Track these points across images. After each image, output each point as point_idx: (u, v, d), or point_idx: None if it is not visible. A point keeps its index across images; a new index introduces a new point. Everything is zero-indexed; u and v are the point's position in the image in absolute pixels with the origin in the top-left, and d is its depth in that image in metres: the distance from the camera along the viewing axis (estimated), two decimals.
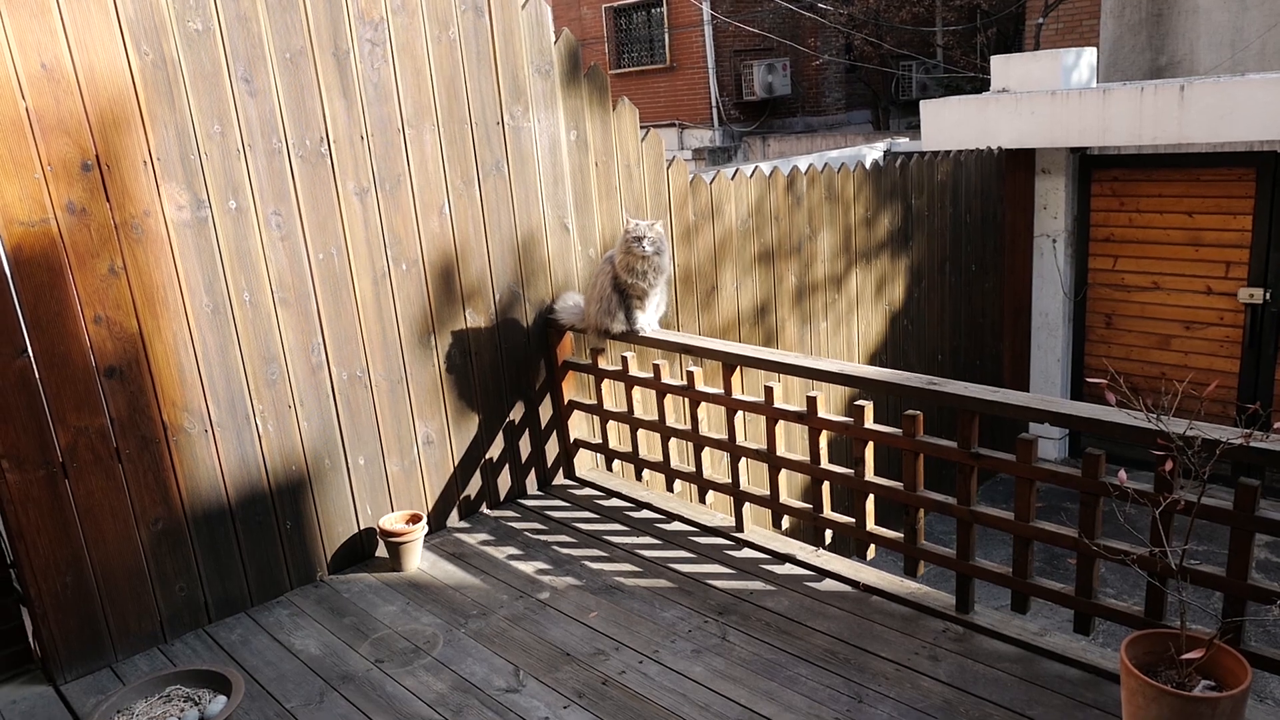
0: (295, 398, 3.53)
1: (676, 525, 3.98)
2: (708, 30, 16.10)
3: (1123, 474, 2.55)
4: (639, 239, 3.76)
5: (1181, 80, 6.51)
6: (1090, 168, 7.51)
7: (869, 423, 3.27)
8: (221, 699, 2.80)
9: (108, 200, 3.01)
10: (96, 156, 2.97)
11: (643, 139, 4.50)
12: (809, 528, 3.66)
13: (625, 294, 3.88)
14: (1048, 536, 2.93)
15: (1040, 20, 11.90)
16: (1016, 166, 7.48)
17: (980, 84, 11.83)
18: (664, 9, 16.61)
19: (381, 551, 3.83)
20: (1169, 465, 2.46)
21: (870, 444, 3.32)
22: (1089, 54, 7.61)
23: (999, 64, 7.72)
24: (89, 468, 3.08)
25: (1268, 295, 6.75)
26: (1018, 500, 2.95)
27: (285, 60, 3.33)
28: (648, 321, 3.95)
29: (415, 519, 3.78)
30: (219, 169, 3.23)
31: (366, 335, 3.69)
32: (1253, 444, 2.28)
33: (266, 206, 3.36)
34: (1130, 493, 2.53)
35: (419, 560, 3.77)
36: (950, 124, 7.61)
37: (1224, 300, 7.02)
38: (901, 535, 3.31)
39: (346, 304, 3.62)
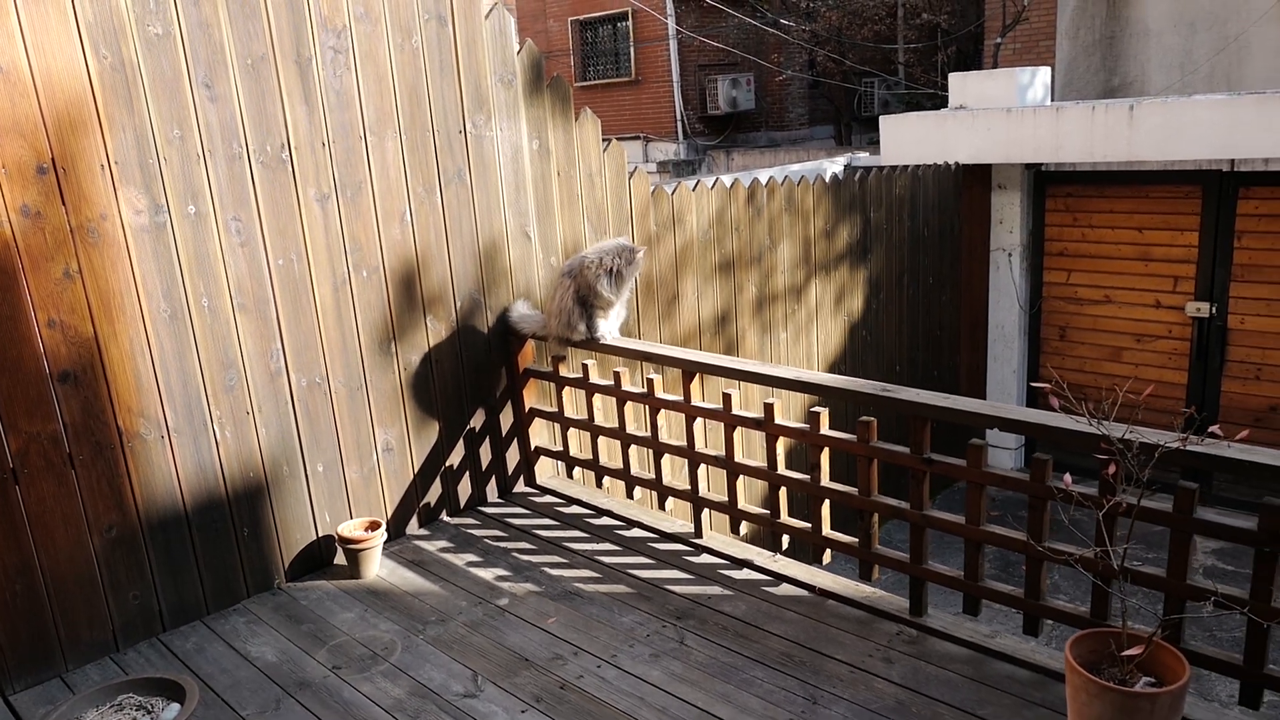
0: (254, 404, 3.51)
1: (636, 531, 4.00)
2: (673, 45, 16.24)
3: (1068, 477, 2.63)
4: (630, 262, 3.87)
5: (1131, 100, 6.70)
6: (1045, 184, 7.69)
7: (824, 429, 3.33)
8: (175, 706, 2.78)
9: (63, 203, 2.99)
10: (53, 159, 2.95)
11: (605, 149, 4.54)
12: (767, 533, 3.70)
13: (589, 305, 3.90)
14: (998, 540, 3.00)
15: (999, 40, 12.16)
16: (973, 182, 7.63)
17: (940, 101, 12.04)
18: (630, 23, 16.74)
19: (340, 559, 3.81)
20: (1112, 469, 2.54)
21: (826, 450, 3.38)
22: (1044, 73, 7.80)
23: (957, 81, 7.88)
24: (40, 474, 3.05)
25: (1213, 309, 6.95)
26: (969, 504, 3.02)
27: (247, 66, 3.33)
28: (609, 329, 3.99)
29: (374, 526, 3.77)
30: (178, 174, 3.21)
31: (326, 342, 3.68)
32: (1189, 447, 2.36)
33: (226, 212, 3.35)
34: (1075, 496, 2.61)
35: (378, 568, 3.76)
36: (909, 139, 7.75)
37: (1172, 314, 7.22)
38: (857, 540, 3.37)
39: (306, 310, 3.61)
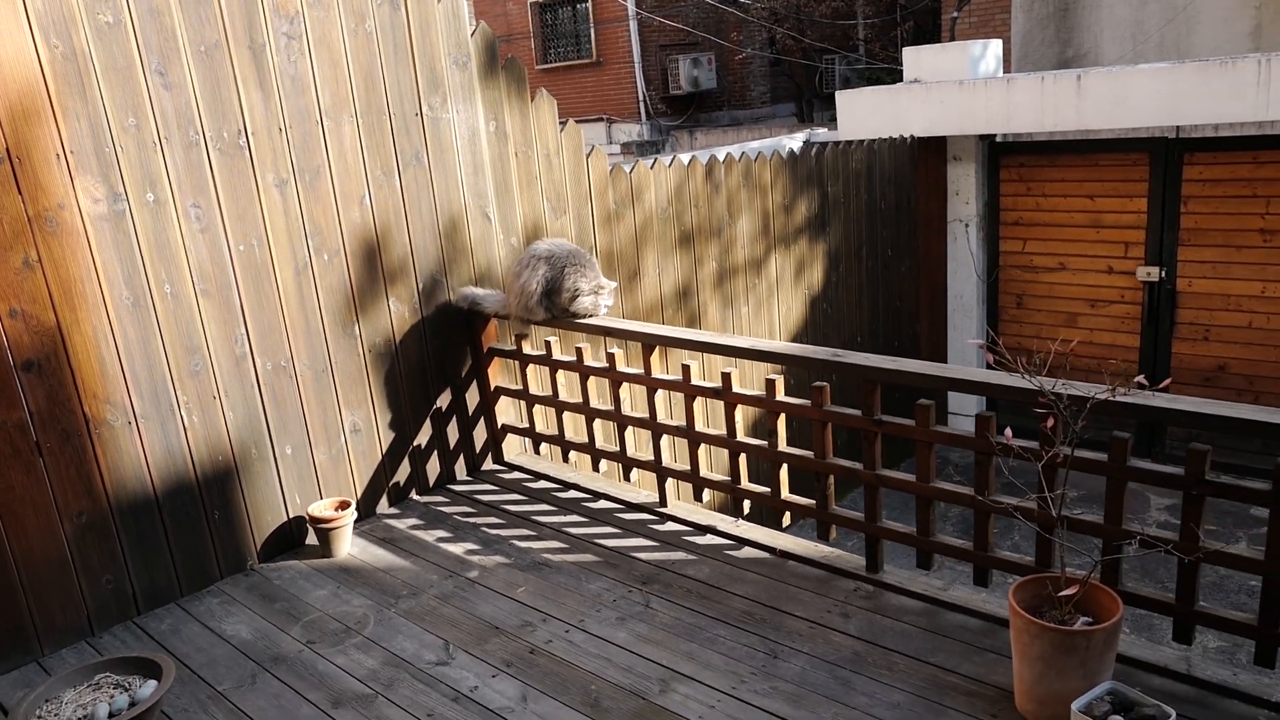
0: (220, 388, 3.55)
1: (602, 503, 4.10)
2: (633, 25, 16.24)
3: (1008, 432, 2.75)
4: (608, 307, 4.02)
5: (1078, 70, 6.85)
6: (999, 154, 7.83)
7: (780, 395, 3.43)
8: (152, 683, 2.83)
9: (20, 193, 3.01)
10: (7, 149, 2.97)
11: (562, 129, 4.60)
12: (729, 499, 3.81)
13: (554, 299, 3.95)
14: (947, 495, 3.13)
15: (955, 14, 12.30)
16: (929, 154, 7.76)
17: (900, 76, 12.17)
18: (589, 4, 16.70)
19: (312, 539, 3.87)
20: (1050, 422, 2.66)
21: (782, 416, 3.49)
22: (995, 45, 7.93)
23: (911, 55, 7.99)
24: (8, 462, 3.08)
25: (1163, 273, 7.14)
26: (918, 463, 3.14)
27: (200, 53, 3.35)
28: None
29: (344, 505, 3.83)
30: (135, 162, 3.24)
31: (290, 325, 3.73)
32: (1116, 398, 2.49)
33: (185, 199, 3.38)
34: (1015, 449, 2.73)
35: (349, 546, 3.83)
36: (865, 113, 7.86)
37: (1124, 279, 7.41)
38: (814, 502, 3.48)
39: (269, 294, 3.65)
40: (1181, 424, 2.54)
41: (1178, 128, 6.81)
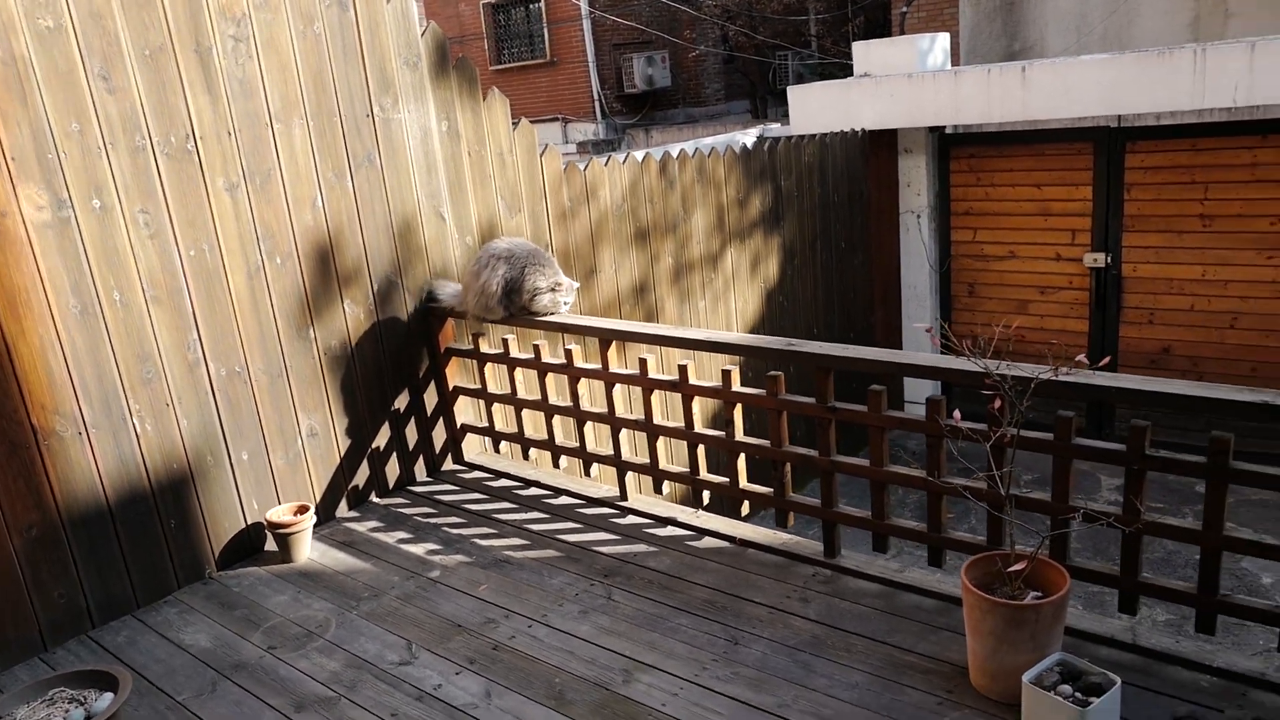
0: (173, 396, 3.51)
1: (563, 499, 4.11)
2: (586, 24, 16.24)
3: (957, 414, 2.81)
4: (566, 302, 4.01)
5: (1023, 62, 6.99)
6: (948, 146, 7.96)
7: (736, 386, 3.47)
8: (108, 696, 2.80)
9: None
10: None
11: (515, 128, 4.61)
12: (689, 491, 3.85)
13: (513, 299, 3.96)
14: (900, 479, 3.19)
15: (904, 9, 12.46)
16: (880, 147, 7.87)
17: (851, 71, 12.32)
18: (542, 4, 16.69)
19: (271, 545, 3.84)
20: (997, 403, 2.73)
21: (739, 406, 3.53)
22: (943, 39, 8.06)
23: (860, 50, 8.10)
24: None
25: (1109, 259, 7.32)
26: (871, 447, 3.20)
27: (145, 57, 3.31)
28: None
29: (303, 510, 3.81)
30: (79, 167, 3.20)
31: (244, 330, 3.70)
32: (1059, 378, 2.56)
33: (133, 204, 3.34)
34: (964, 431, 2.79)
35: (309, 551, 3.80)
36: (817, 108, 7.95)
37: (1072, 265, 7.57)
38: (772, 490, 3.53)
39: (221, 300, 3.62)
40: (1122, 401, 2.62)
41: (1119, 117, 6.97)
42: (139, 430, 3.44)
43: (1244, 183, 6.68)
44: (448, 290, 4.24)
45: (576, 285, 4.08)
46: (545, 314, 3.97)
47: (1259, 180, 6.62)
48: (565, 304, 4.01)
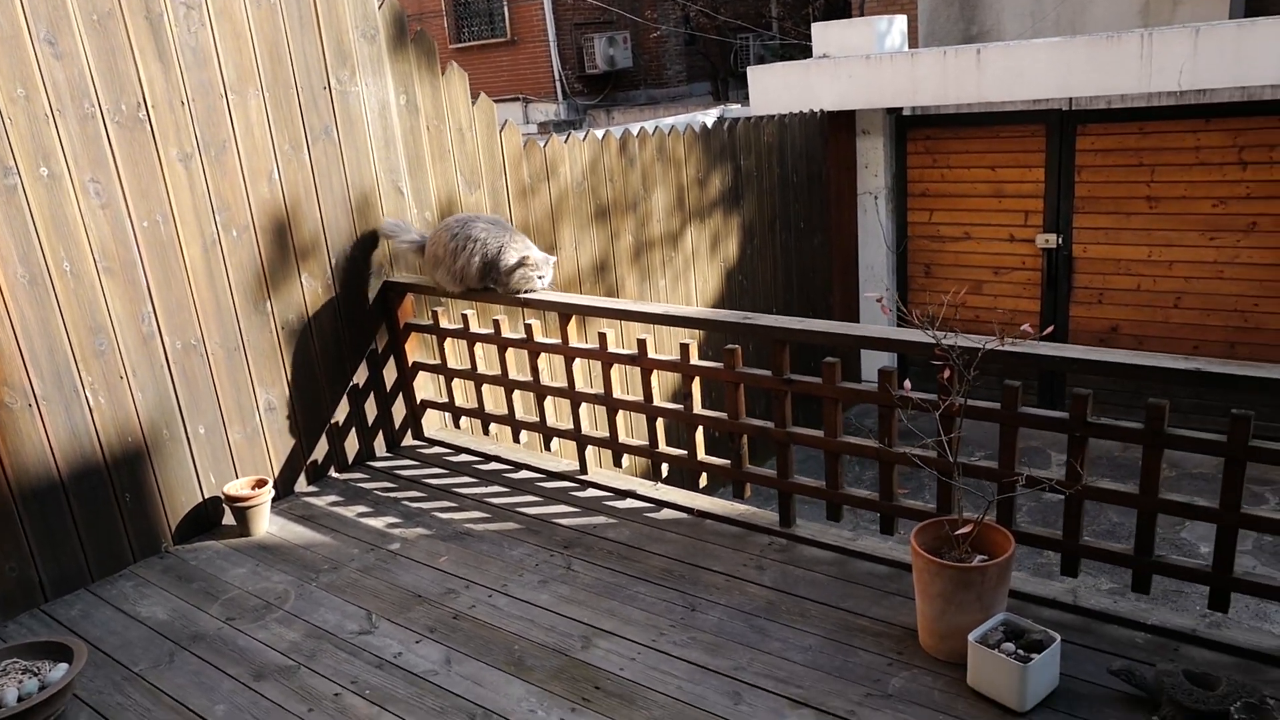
0: (127, 368, 3.48)
1: (524, 474, 4.14)
2: (547, 3, 16.13)
3: (907, 384, 2.88)
4: (540, 276, 3.93)
5: (978, 45, 7.09)
6: (905, 128, 8.06)
7: (694, 359, 3.52)
8: (63, 666, 2.79)
9: None
10: None
11: (475, 103, 4.59)
12: (648, 464, 3.89)
13: (493, 278, 3.93)
14: (853, 449, 3.26)
15: None
16: (839, 128, 7.95)
17: (811, 53, 12.40)
18: None
19: (229, 519, 3.82)
20: (947, 373, 2.80)
21: (697, 379, 3.58)
22: (900, 21, 8.15)
23: (819, 31, 8.15)
24: None
25: (1060, 240, 7.47)
26: (825, 419, 3.26)
27: (93, 22, 3.26)
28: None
29: (261, 484, 3.80)
30: (25, 134, 3.14)
31: (199, 303, 3.66)
32: (1004, 348, 2.63)
33: (83, 173, 3.29)
34: (913, 400, 2.87)
35: (267, 525, 3.79)
36: (776, 89, 8.00)
37: (1024, 246, 7.72)
38: (729, 462, 3.59)
39: (176, 272, 3.58)
40: (1063, 370, 2.71)
41: (1071, 100, 7.11)
42: (92, 403, 3.40)
43: (1188, 165, 6.86)
44: (409, 235, 4.13)
45: (554, 260, 4.04)
46: (524, 292, 3.93)
47: (1202, 163, 6.80)
48: (544, 281, 3.96)
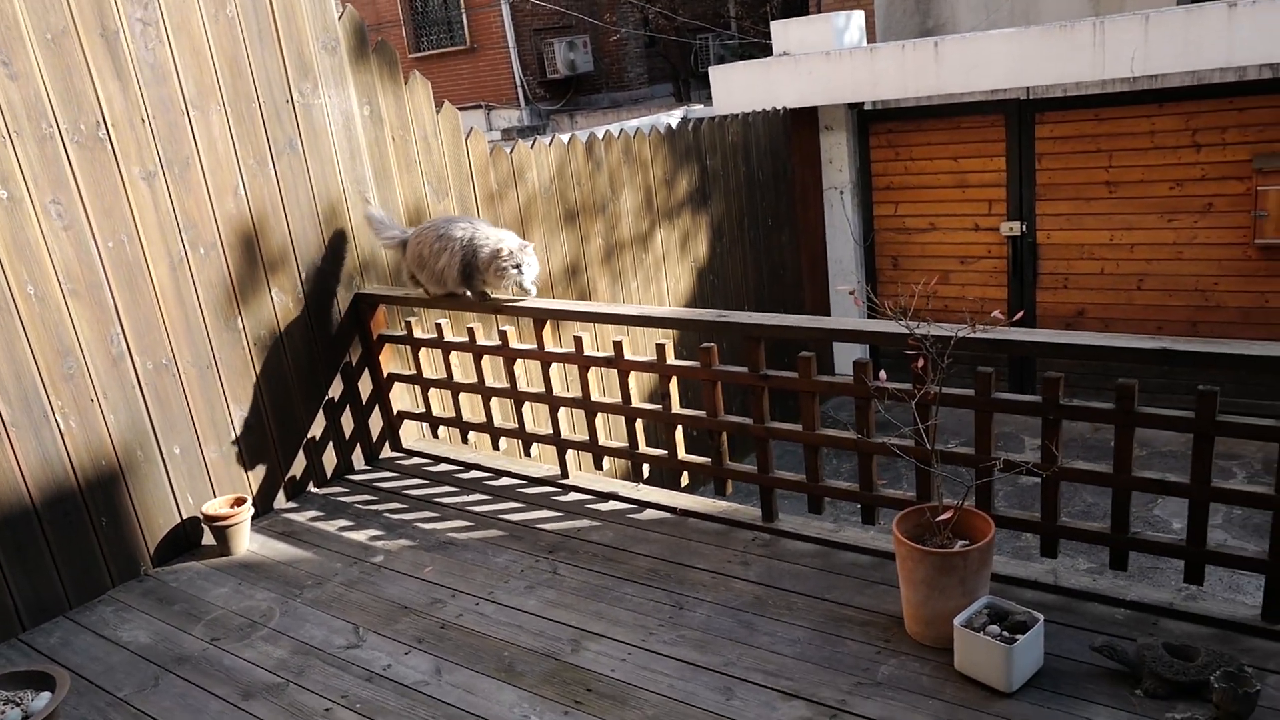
0: (97, 391, 3.43)
1: (504, 480, 4.13)
2: (505, 9, 16.09)
3: (882, 374, 2.91)
4: (517, 266, 3.70)
5: (935, 38, 7.18)
6: (868, 122, 8.14)
7: (670, 359, 3.53)
8: (45, 695, 2.74)
9: None
10: None
11: (439, 111, 4.58)
12: (628, 465, 3.90)
13: (471, 278, 3.82)
14: (831, 441, 3.29)
15: None
16: (802, 125, 8.00)
17: (771, 51, 12.47)
18: None
19: (208, 539, 3.78)
20: (920, 363, 2.83)
21: (674, 379, 3.59)
22: (858, 16, 8.22)
23: (779, 29, 8.21)
24: None
25: (1024, 227, 7.58)
26: (803, 413, 3.29)
27: (46, 41, 3.21)
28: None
29: (240, 502, 3.76)
30: None
31: (169, 322, 3.62)
32: (976, 334, 2.67)
33: (43, 195, 3.25)
34: (889, 390, 2.90)
35: (248, 543, 3.76)
36: (739, 88, 8.04)
37: (989, 235, 7.82)
38: (710, 460, 3.60)
39: (144, 291, 3.54)
40: (1035, 354, 2.75)
41: (1029, 89, 7.22)
42: (63, 427, 3.35)
43: (1144, 149, 6.98)
44: (391, 231, 4.05)
45: (530, 245, 3.79)
46: (504, 287, 3.77)
47: (1157, 147, 6.92)
48: (527, 272, 3.74)
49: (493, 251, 3.71)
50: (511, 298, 3.84)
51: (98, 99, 3.36)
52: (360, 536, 3.76)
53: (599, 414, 3.86)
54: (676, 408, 3.62)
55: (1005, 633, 2.49)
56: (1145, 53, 6.24)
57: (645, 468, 3.86)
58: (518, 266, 3.71)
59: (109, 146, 3.40)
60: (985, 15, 11.28)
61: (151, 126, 3.51)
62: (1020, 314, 2.78)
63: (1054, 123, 7.26)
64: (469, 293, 3.89)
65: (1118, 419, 2.66)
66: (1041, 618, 2.51)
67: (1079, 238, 7.42)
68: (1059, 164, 7.33)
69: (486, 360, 4.10)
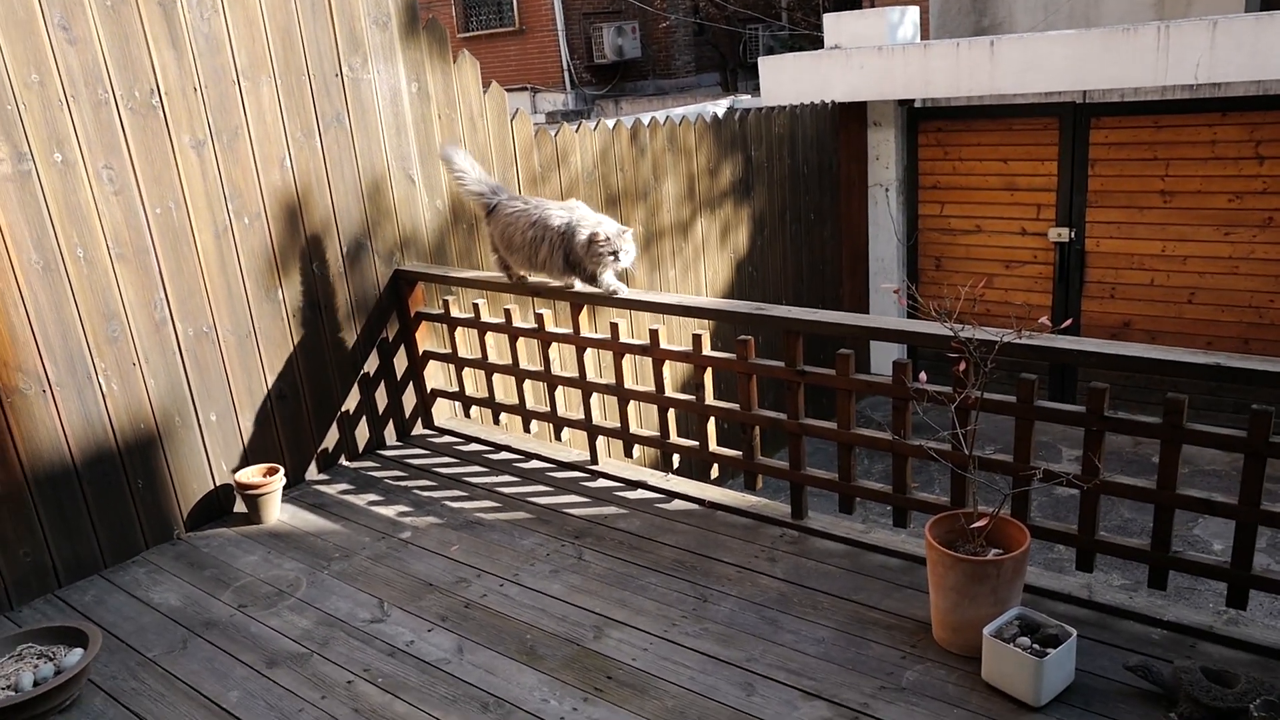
0: (139, 355, 3.48)
1: (534, 463, 4.13)
2: None
3: (923, 375, 2.86)
4: (614, 253, 3.49)
5: (991, 37, 7.04)
6: (917, 119, 8.01)
7: (706, 350, 3.50)
8: (78, 651, 2.79)
9: None
10: None
11: (486, 92, 4.57)
12: (659, 455, 3.88)
13: (575, 271, 3.62)
14: (866, 441, 3.25)
15: None
16: (850, 119, 7.90)
17: (821, 43, 12.32)
18: None
19: (240, 506, 3.83)
20: (962, 366, 2.78)
21: (709, 370, 3.56)
22: (913, 12, 8.09)
23: (831, 22, 8.11)
24: None
25: (1072, 234, 7.43)
26: (839, 410, 3.25)
27: (106, 8, 3.24)
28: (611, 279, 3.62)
29: (273, 471, 3.80)
30: (40, 120, 3.13)
31: (211, 290, 3.66)
32: (1021, 340, 2.61)
33: (96, 160, 3.29)
34: (929, 393, 2.85)
35: (278, 512, 3.80)
36: (788, 79, 7.95)
37: (1036, 240, 7.67)
38: (741, 454, 3.57)
39: (188, 259, 3.58)
40: (1082, 364, 2.69)
41: (1085, 93, 7.06)
42: (105, 389, 3.40)
43: (1203, 160, 6.80)
44: (473, 177, 3.80)
45: (630, 231, 3.56)
46: (601, 274, 3.55)
47: (1218, 158, 6.74)
48: (625, 258, 3.52)
49: (589, 237, 3.49)
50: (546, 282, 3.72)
51: (153, 67, 3.39)
52: (389, 512, 3.78)
53: (631, 401, 3.85)
54: (710, 399, 3.60)
55: (1036, 645, 2.44)
56: (1211, 59, 6.06)
57: (675, 458, 3.84)
58: (614, 254, 3.48)
59: (161, 114, 3.43)
60: (1043, 15, 11.06)
61: (203, 96, 3.53)
62: (1068, 321, 2.71)
63: (1110, 128, 7.10)
64: (576, 283, 3.65)
65: (1164, 434, 2.59)
66: (1074, 632, 2.45)
67: (1130, 247, 7.25)
68: (1113, 170, 7.16)
69: (521, 342, 4.10)
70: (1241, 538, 2.58)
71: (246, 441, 3.85)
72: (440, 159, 3.96)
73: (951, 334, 2.70)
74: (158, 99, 3.41)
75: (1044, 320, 2.58)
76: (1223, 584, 2.69)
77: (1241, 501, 2.54)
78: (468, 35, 17.35)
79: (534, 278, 3.84)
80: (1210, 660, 2.50)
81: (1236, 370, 2.47)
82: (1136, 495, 2.72)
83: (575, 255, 3.55)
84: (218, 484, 3.78)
